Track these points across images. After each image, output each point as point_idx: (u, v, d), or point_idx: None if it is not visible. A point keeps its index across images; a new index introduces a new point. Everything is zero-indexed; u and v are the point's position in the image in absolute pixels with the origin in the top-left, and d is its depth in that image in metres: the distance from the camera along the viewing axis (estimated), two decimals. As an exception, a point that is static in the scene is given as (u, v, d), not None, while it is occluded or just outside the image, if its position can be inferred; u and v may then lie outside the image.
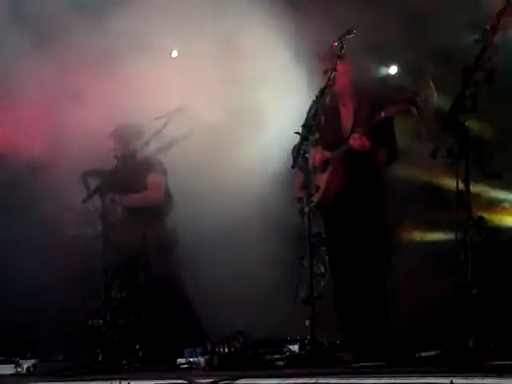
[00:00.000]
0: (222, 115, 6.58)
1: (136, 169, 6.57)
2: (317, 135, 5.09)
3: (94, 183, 6.36)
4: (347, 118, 5.99)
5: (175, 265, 6.83)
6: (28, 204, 7.25)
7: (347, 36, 5.22)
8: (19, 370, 6.19)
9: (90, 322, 6.08)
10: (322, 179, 5.72)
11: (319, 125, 5.59)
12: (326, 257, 5.72)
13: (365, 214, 5.83)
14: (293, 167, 5.08)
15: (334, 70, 5.18)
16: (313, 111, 5.10)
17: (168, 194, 6.89)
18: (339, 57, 5.16)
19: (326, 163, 5.85)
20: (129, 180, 6.57)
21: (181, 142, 6.64)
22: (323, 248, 5.44)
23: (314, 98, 5.22)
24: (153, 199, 6.82)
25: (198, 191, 6.79)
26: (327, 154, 5.87)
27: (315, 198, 5.46)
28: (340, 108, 6.02)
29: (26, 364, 6.18)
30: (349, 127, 5.96)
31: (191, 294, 6.83)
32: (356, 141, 5.71)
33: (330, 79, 5.13)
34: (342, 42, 5.20)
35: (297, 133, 5.09)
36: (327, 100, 5.12)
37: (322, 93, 5.11)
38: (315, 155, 5.73)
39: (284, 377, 4.41)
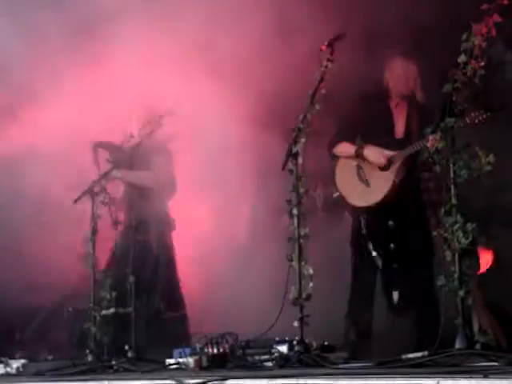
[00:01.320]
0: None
1: (143, 149, 6.58)
2: (303, 141, 5.09)
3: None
4: (400, 119, 6.05)
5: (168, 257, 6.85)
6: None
7: (337, 41, 5.25)
8: (8, 370, 6.20)
9: None
10: (384, 176, 5.86)
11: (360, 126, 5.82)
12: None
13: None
14: (282, 169, 5.10)
15: (325, 72, 5.19)
16: (302, 115, 5.13)
17: (171, 181, 6.85)
18: (329, 60, 5.18)
19: (389, 161, 5.91)
20: (135, 158, 6.60)
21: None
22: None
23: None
24: (153, 180, 6.83)
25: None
26: (388, 152, 5.92)
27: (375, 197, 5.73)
28: (392, 108, 6.07)
29: (16, 364, 6.19)
30: (401, 129, 6.03)
31: (181, 293, 6.85)
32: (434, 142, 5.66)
33: (318, 82, 5.14)
34: (331, 46, 5.22)
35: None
36: (317, 105, 5.13)
37: (312, 97, 5.13)
38: (373, 153, 5.88)
39: (273, 377, 4.44)
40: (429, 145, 5.60)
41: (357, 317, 6.00)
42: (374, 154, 5.93)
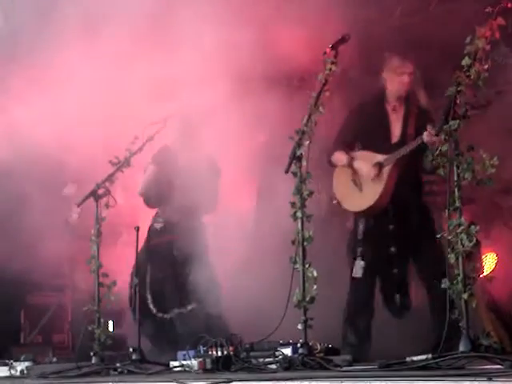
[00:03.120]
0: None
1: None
2: (307, 143, 5.11)
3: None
4: (396, 123, 6.07)
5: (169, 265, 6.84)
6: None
7: (342, 44, 5.26)
8: (13, 372, 6.20)
9: None
10: (377, 180, 5.88)
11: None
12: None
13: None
14: (286, 172, 5.10)
15: (329, 75, 5.19)
16: (306, 117, 5.13)
17: (158, 188, 6.77)
18: (333, 63, 5.18)
19: (379, 165, 5.94)
20: None
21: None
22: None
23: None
24: (138, 192, 6.85)
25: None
26: (379, 156, 5.94)
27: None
28: (389, 112, 6.10)
29: (20, 366, 6.19)
30: (397, 133, 6.04)
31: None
32: (430, 137, 5.58)
33: (323, 85, 5.14)
34: (335, 49, 5.22)
35: (291, 138, 5.13)
36: (321, 108, 5.13)
37: (316, 100, 5.14)
38: (362, 157, 5.94)
39: (277, 380, 4.45)
40: (425, 139, 5.62)
41: (356, 320, 6.00)
42: (364, 166, 5.98)
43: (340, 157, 6.13)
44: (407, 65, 6.02)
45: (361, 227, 6.04)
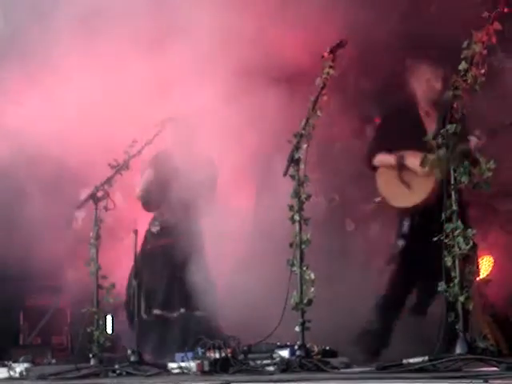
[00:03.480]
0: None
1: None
2: (305, 146, 5.13)
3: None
4: (430, 126, 6.05)
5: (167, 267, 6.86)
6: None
7: (339, 48, 5.28)
8: (12, 373, 6.23)
9: None
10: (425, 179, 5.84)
11: None
12: None
13: None
14: (284, 175, 5.13)
15: (327, 79, 5.22)
16: (304, 121, 5.16)
17: (156, 192, 6.82)
18: (330, 67, 5.21)
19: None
20: None
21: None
22: None
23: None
24: (136, 196, 6.88)
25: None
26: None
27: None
28: (423, 117, 6.13)
29: (19, 368, 6.22)
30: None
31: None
32: (477, 143, 5.66)
33: (321, 89, 5.17)
34: (333, 53, 5.25)
35: (289, 141, 5.16)
36: (319, 112, 5.16)
37: (314, 103, 5.17)
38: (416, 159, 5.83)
39: (274, 382, 4.48)
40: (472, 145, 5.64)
41: (386, 309, 6.05)
42: (416, 160, 5.97)
43: (385, 158, 6.14)
44: (438, 70, 6.04)
45: (406, 225, 6.05)
